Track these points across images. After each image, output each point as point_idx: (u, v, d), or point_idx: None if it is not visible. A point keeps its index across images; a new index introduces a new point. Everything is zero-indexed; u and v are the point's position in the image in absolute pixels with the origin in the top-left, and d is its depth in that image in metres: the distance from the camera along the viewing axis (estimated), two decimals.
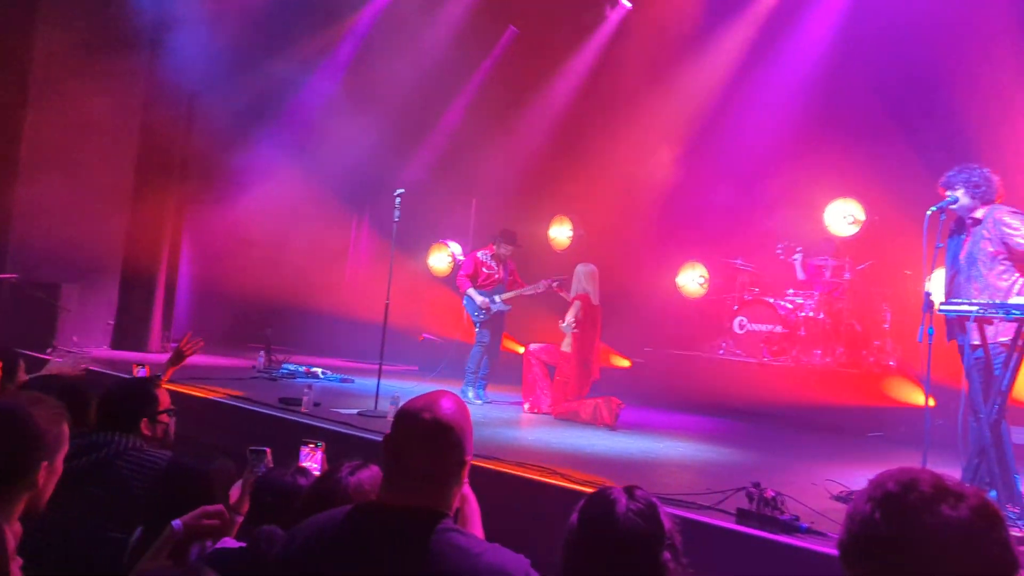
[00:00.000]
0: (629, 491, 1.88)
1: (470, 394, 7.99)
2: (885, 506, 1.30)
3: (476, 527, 2.26)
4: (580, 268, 7.68)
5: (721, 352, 9.39)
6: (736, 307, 9.39)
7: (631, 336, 9.89)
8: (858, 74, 8.91)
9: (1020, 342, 4.45)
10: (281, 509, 2.62)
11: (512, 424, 6.90)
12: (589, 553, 1.81)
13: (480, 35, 11.38)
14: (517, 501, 4.46)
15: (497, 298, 8.26)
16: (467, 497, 2.28)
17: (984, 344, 4.62)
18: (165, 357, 5.40)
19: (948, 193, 4.93)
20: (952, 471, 4.67)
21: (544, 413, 7.42)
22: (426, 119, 11.70)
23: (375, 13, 11.51)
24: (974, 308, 4.46)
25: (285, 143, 11.14)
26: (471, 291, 8.28)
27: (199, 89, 10.30)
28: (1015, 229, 4.69)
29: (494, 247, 8.47)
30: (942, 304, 4.76)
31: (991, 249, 4.77)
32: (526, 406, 7.56)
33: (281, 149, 11.12)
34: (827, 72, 9.09)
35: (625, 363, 10.05)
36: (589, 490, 4.27)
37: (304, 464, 3.35)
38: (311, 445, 3.53)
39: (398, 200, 6.71)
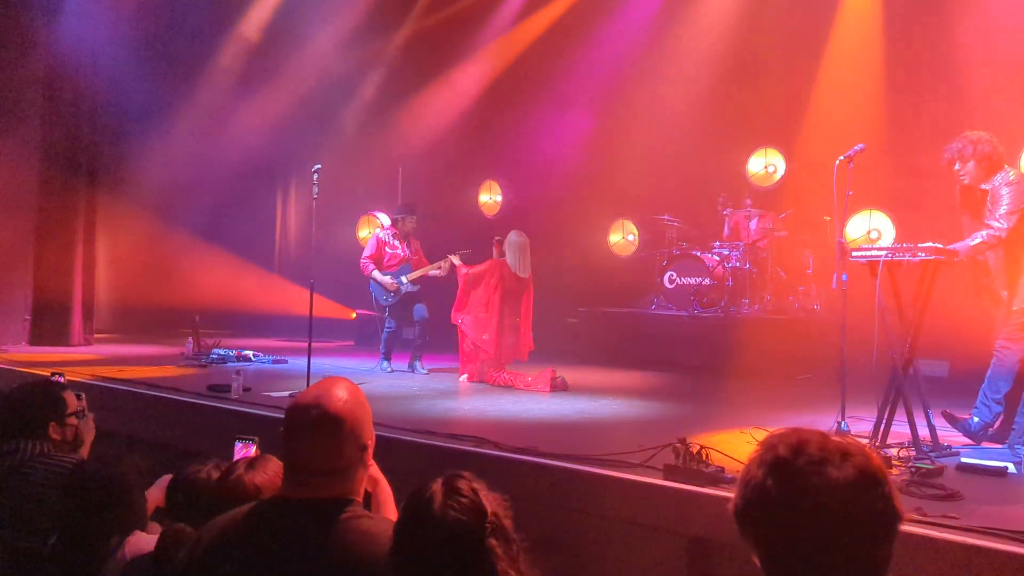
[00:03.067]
0: (448, 483, 1.78)
1: (388, 367, 8.10)
2: (776, 470, 1.33)
3: (390, 510, 2.24)
4: (512, 236, 7.62)
5: (653, 307, 9.54)
6: (665, 262, 9.52)
7: (565, 297, 9.96)
8: (772, 22, 8.98)
9: (927, 283, 4.61)
10: (196, 507, 2.55)
11: (448, 395, 6.89)
12: (414, 555, 1.73)
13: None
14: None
15: (404, 278, 8.11)
16: (378, 480, 2.26)
17: (896, 287, 4.78)
18: (89, 350, 5.19)
19: (959, 166, 4.96)
20: (869, 408, 4.85)
21: (481, 382, 7.43)
22: (345, 89, 11.42)
23: None
24: (883, 252, 4.59)
25: (196, 127, 10.83)
26: (376, 274, 8.12)
27: (101, 79, 9.91)
28: (1000, 198, 4.79)
29: (396, 224, 8.33)
30: (855, 250, 4.89)
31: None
32: (463, 376, 7.56)
33: (192, 133, 10.81)
34: (742, 22, 9.16)
35: (560, 324, 10.11)
36: (524, 458, 4.35)
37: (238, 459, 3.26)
38: (245, 441, 3.43)
39: (316, 176, 6.54)
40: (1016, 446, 4.54)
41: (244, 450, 3.36)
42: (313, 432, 1.88)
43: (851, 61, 8.09)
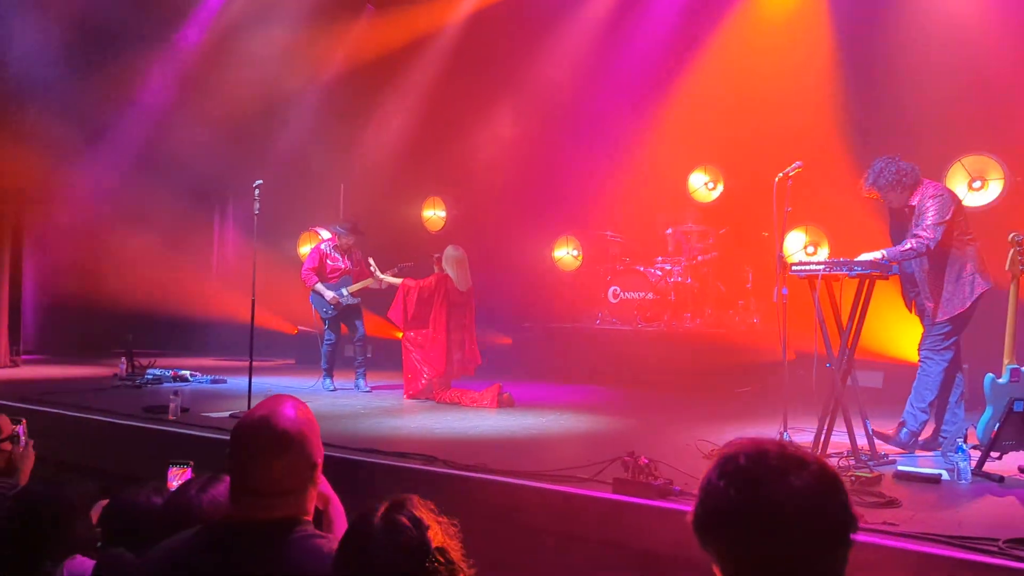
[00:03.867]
0: (392, 509, 1.68)
1: (331, 384, 8.02)
2: (737, 480, 1.35)
3: (341, 528, 2.20)
4: (449, 251, 7.62)
5: (598, 322, 9.61)
6: (609, 277, 9.62)
7: (511, 313, 9.98)
8: (711, 40, 9.19)
9: (863, 296, 4.75)
10: (134, 532, 2.46)
11: (393, 413, 6.81)
12: None
13: (338, 14, 11.05)
14: (400, 493, 4.40)
15: (345, 291, 8.06)
16: (329, 498, 2.21)
17: (833, 300, 4.91)
18: (15, 372, 4.99)
19: (882, 195, 5.11)
20: (809, 418, 4.97)
21: (426, 399, 7.37)
22: (286, 105, 11.28)
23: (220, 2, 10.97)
24: (820, 267, 4.72)
25: (129, 144, 10.59)
26: (319, 286, 8.05)
27: (27, 94, 9.65)
28: (926, 211, 4.95)
29: (336, 237, 8.27)
30: (794, 265, 5.02)
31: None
32: (408, 393, 7.49)
33: (126, 150, 10.57)
34: (682, 41, 9.36)
35: (506, 339, 10.13)
36: (473, 475, 4.32)
37: (173, 484, 3.15)
38: (178, 467, 3.32)
39: (257, 192, 6.44)
40: (948, 453, 4.69)
41: (179, 475, 3.26)
42: (263, 450, 1.83)
43: (789, 79, 8.32)
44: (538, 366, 9.18)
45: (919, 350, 5.16)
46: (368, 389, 7.94)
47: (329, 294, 8.02)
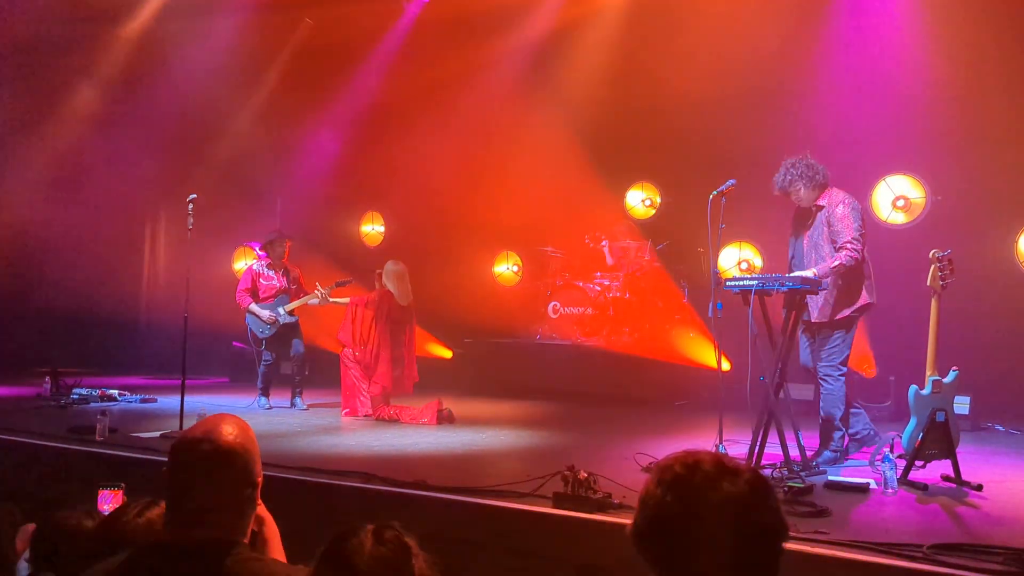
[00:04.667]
0: (378, 533, 1.70)
1: (267, 404, 7.88)
2: (675, 488, 1.40)
3: (277, 550, 2.16)
4: (389, 266, 7.58)
5: (538, 337, 9.66)
6: (549, 293, 9.69)
7: (451, 327, 9.96)
8: (648, 61, 9.37)
9: (793, 314, 4.89)
10: (65, 556, 2.38)
11: (331, 430, 6.71)
12: None
13: (273, 30, 10.92)
14: (338, 512, 4.35)
15: (282, 309, 7.94)
16: (264, 519, 2.17)
17: (765, 315, 5.04)
18: None
19: (791, 193, 5.20)
20: (744, 430, 5.08)
21: (365, 416, 7.28)
22: (219, 118, 11.08)
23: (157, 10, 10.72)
24: (754, 282, 4.84)
25: (54, 157, 10.28)
26: (254, 307, 7.92)
27: None
28: (841, 221, 5.08)
29: (268, 253, 8.13)
30: (728, 280, 5.14)
31: (826, 235, 5.16)
32: (345, 411, 7.39)
33: (50, 164, 10.25)
34: (618, 61, 9.51)
35: (447, 354, 10.10)
36: (413, 492, 4.29)
37: (104, 507, 3.04)
38: (111, 488, 3.20)
39: (191, 206, 6.30)
40: (876, 462, 4.84)
41: (111, 498, 3.16)
42: (205, 469, 1.80)
43: (725, 99, 8.53)
44: (479, 382, 9.18)
45: (816, 368, 5.25)
46: (305, 407, 7.80)
47: (265, 313, 7.89)
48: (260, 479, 1.89)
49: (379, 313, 7.35)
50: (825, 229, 5.19)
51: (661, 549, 1.39)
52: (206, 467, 1.80)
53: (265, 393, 7.91)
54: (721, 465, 1.42)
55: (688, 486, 1.39)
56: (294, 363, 7.99)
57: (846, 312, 5.13)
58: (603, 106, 9.55)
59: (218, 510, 1.79)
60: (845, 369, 5.19)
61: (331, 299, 7.76)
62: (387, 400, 7.37)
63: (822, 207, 5.22)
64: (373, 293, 7.48)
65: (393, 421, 7.07)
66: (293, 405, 7.84)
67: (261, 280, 8.02)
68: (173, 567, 1.75)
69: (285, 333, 7.98)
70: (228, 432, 1.84)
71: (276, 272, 8.06)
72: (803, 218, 5.36)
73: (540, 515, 3.83)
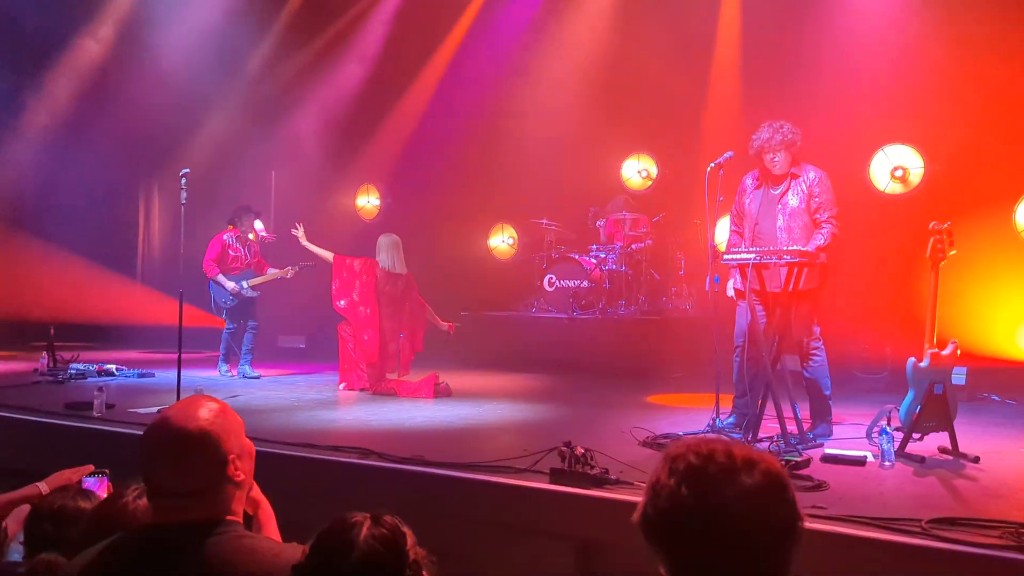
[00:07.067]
0: (375, 518, 1.69)
1: (227, 370, 8.22)
2: (689, 479, 1.35)
3: (272, 532, 2.15)
4: (382, 239, 7.54)
5: (533, 310, 9.64)
6: (545, 265, 9.65)
7: (447, 300, 9.91)
8: (646, 31, 9.26)
9: (790, 287, 4.86)
10: (61, 538, 2.36)
11: (327, 405, 6.70)
12: None
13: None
14: (335, 488, 4.35)
15: (245, 283, 8.15)
16: (259, 502, 2.16)
17: (763, 289, 5.01)
18: None
19: (773, 156, 5.04)
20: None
21: (362, 390, 7.28)
22: (213, 90, 10.93)
23: None
24: (751, 256, 4.80)
25: (49, 131, 10.19)
26: (220, 277, 8.10)
27: None
28: (825, 193, 5.03)
29: (238, 228, 8.25)
30: (726, 254, 5.10)
31: (805, 204, 5.08)
32: (342, 385, 7.38)
33: (45, 137, 10.15)
34: (616, 31, 9.40)
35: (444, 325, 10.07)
36: (410, 468, 4.28)
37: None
38: (97, 476, 3.16)
39: (184, 180, 6.24)
40: (873, 435, 4.85)
41: (97, 486, 3.12)
42: (164, 451, 1.80)
43: (722, 70, 8.45)
44: (475, 355, 9.15)
45: (805, 347, 5.15)
46: (257, 375, 8.10)
47: (230, 284, 8.09)
48: (234, 456, 1.85)
49: (367, 282, 7.34)
50: (805, 197, 5.09)
51: (674, 540, 1.35)
52: (173, 451, 1.79)
53: (226, 360, 8.26)
54: (735, 455, 1.37)
55: (704, 478, 1.34)
56: (249, 334, 8.26)
57: (815, 285, 5.09)
58: (599, 74, 9.44)
59: (192, 495, 1.79)
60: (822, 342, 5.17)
61: (310, 245, 7.74)
62: (384, 374, 7.35)
63: (797, 176, 5.14)
64: (359, 258, 7.43)
65: (390, 395, 7.07)
66: (242, 374, 8.15)
67: (230, 251, 8.22)
68: (156, 549, 1.74)
69: (245, 305, 8.25)
70: (191, 414, 1.83)
71: (243, 246, 8.27)
72: (769, 184, 5.19)
73: (537, 491, 3.83)
